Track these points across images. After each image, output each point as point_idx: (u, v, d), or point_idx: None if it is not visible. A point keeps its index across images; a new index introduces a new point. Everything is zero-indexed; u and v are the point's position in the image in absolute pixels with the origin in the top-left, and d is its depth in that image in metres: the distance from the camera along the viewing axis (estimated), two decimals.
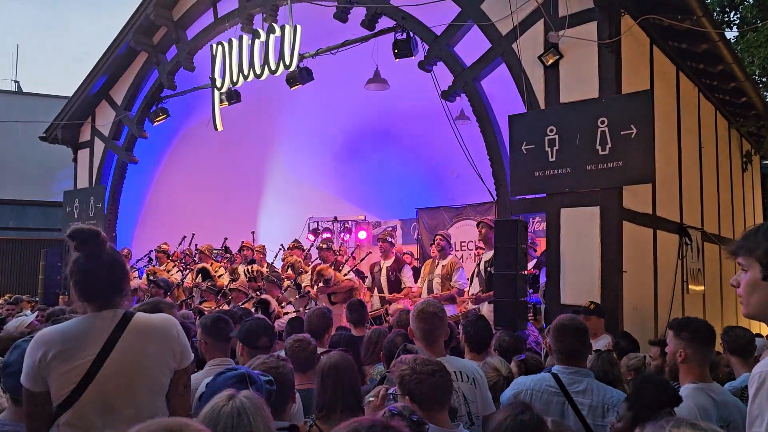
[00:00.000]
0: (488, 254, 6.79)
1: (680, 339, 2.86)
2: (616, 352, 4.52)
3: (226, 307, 7.50)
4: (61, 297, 10.69)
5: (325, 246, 8.82)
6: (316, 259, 8.85)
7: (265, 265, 9.63)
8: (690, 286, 7.58)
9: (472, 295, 6.84)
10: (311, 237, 12.04)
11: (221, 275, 9.26)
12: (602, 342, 5.00)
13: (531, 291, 6.84)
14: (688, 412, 2.65)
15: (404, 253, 9.06)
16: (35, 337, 2.26)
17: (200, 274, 9.13)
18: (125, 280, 2.43)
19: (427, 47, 7.24)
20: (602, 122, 5.87)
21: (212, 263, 9.79)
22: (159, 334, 2.36)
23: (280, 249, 10.20)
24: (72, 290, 2.36)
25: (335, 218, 12.60)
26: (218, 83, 9.20)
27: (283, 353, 3.74)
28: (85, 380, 2.18)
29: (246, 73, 8.79)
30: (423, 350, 2.97)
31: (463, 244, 10.72)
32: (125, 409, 2.22)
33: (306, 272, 8.57)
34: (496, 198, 6.90)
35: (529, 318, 6.25)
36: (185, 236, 11.15)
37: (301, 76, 8.26)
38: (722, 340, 3.92)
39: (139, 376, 2.27)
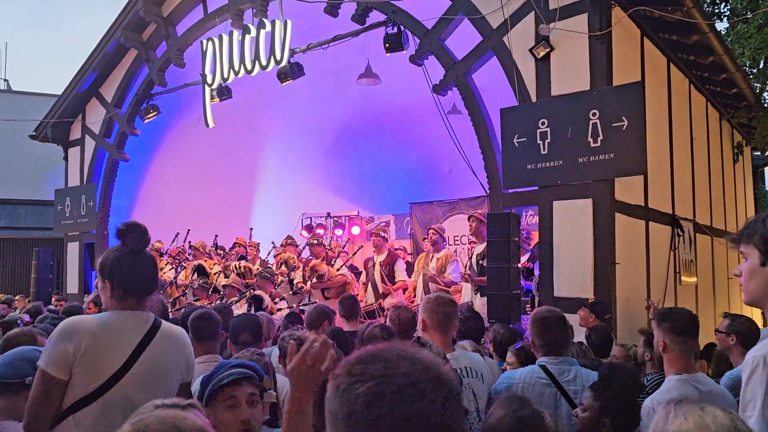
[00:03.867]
0: (480, 247, 6.80)
1: (661, 329, 2.85)
2: (589, 345, 4.55)
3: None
4: (53, 296, 10.65)
5: (315, 241, 8.82)
6: (309, 256, 8.84)
7: (258, 262, 9.61)
8: (682, 278, 7.61)
9: (465, 273, 6.83)
10: (305, 233, 12.02)
11: (216, 272, 9.24)
12: None
13: (527, 282, 6.86)
14: None
15: (397, 248, 9.05)
16: (67, 325, 2.22)
17: (196, 272, 9.10)
18: (156, 278, 2.52)
19: (418, 41, 7.22)
20: (594, 114, 5.87)
21: (206, 260, 9.77)
22: (180, 346, 2.42)
23: (273, 248, 10.18)
24: (106, 284, 2.35)
25: (328, 214, 12.59)
26: (209, 79, 9.15)
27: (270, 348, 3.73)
28: (114, 378, 2.19)
29: (237, 69, 8.75)
30: (435, 341, 2.91)
31: (456, 238, 10.73)
32: None
33: (299, 268, 8.56)
34: (488, 191, 6.91)
35: (527, 309, 6.27)
36: (178, 233, 11.11)
37: (292, 72, 8.23)
38: (727, 328, 3.89)
39: (161, 382, 2.30)
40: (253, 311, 6.48)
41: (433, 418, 0.87)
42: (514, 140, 6.39)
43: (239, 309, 7.28)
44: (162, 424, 1.26)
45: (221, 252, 10.64)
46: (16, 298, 10.40)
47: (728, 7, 15.66)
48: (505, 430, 1.97)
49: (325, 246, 9.09)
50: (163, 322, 2.42)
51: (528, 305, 6.49)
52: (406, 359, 0.92)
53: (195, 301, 8.17)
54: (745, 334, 3.76)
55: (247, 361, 2.41)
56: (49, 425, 2.14)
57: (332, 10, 7.72)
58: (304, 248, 9.90)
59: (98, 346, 2.19)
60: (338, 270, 8.28)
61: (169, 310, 7.96)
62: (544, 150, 6.18)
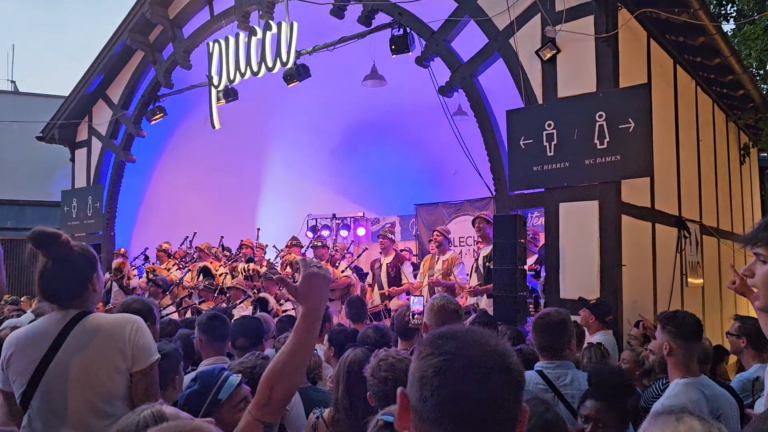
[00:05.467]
0: (486, 249, 6.80)
1: (666, 332, 2.84)
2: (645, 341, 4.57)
3: (224, 306, 7.49)
4: None
5: (319, 243, 8.83)
6: (313, 257, 8.84)
7: (265, 263, 9.63)
8: (689, 280, 7.59)
9: (470, 287, 6.85)
10: (310, 234, 12.03)
11: (222, 274, 9.25)
12: (596, 337, 4.96)
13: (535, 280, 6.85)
14: None
15: (402, 250, 9.06)
16: (6, 339, 2.33)
17: (201, 273, 9.12)
18: (84, 282, 2.36)
19: (424, 43, 7.22)
20: (600, 116, 5.86)
21: (212, 261, 9.79)
22: (106, 335, 2.28)
23: (278, 252, 10.18)
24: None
25: (334, 215, 12.60)
26: (215, 81, 9.18)
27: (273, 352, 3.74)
28: (34, 381, 2.20)
29: (243, 70, 8.77)
30: None
31: (461, 239, 10.73)
32: (70, 413, 2.20)
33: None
34: (494, 193, 6.90)
35: (530, 311, 6.25)
36: (187, 236, 11.13)
37: (298, 73, 8.24)
38: (737, 331, 3.87)
39: (82, 378, 2.22)
40: (258, 313, 6.49)
41: (487, 401, 0.98)
42: (521, 142, 6.39)
43: (245, 310, 7.30)
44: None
45: (227, 253, 10.66)
46: (22, 299, 10.43)
47: (735, 8, 15.63)
48: None
49: (328, 248, 9.10)
50: (92, 315, 2.32)
51: (531, 306, 6.48)
52: (478, 344, 1.04)
53: (200, 302, 8.18)
54: (755, 336, 3.74)
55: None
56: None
57: (338, 12, 7.74)
58: (307, 249, 9.90)
59: (16, 354, 2.25)
60: (342, 272, 8.29)
61: (175, 310, 8.01)
62: (550, 152, 6.18)
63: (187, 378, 3.39)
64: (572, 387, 2.88)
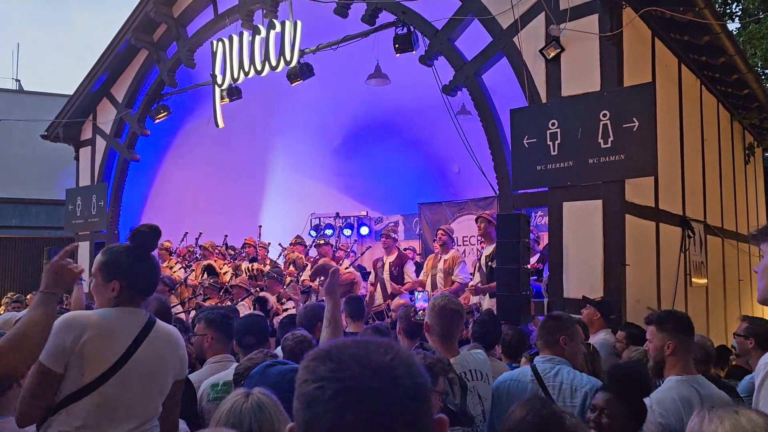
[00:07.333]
0: (489, 248, 6.79)
1: (665, 332, 2.83)
2: (630, 342, 4.53)
3: (228, 303, 7.50)
4: (65, 295, 10.68)
5: (322, 242, 8.84)
6: (316, 256, 8.85)
7: (268, 262, 9.64)
8: (693, 279, 7.56)
9: (472, 285, 6.84)
10: (313, 233, 12.04)
11: (226, 272, 9.27)
12: (600, 336, 4.94)
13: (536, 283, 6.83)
14: (672, 403, 2.64)
15: (405, 249, 9.05)
16: (66, 318, 2.25)
17: (206, 272, 9.14)
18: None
19: (427, 42, 7.22)
20: (604, 115, 5.85)
21: (216, 260, 9.80)
22: (174, 342, 2.47)
23: (282, 250, 10.19)
24: (114, 284, 2.36)
25: (337, 214, 12.61)
26: (219, 80, 9.18)
27: (278, 350, 3.73)
28: (109, 373, 2.23)
29: (246, 69, 8.78)
30: (438, 348, 2.90)
31: (465, 238, 10.72)
32: (137, 406, 2.30)
33: (308, 267, 8.57)
34: (498, 192, 6.90)
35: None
36: (187, 232, 11.15)
37: (301, 72, 8.24)
38: (745, 331, 3.86)
39: (156, 377, 2.36)
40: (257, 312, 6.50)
41: (367, 428, 0.82)
42: (524, 141, 6.38)
43: (246, 308, 7.31)
44: None
45: (231, 252, 10.68)
46: (28, 297, 10.45)
47: (740, 7, 15.57)
48: (529, 430, 1.98)
49: (331, 245, 9.11)
50: (158, 320, 2.47)
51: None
52: (357, 362, 0.87)
53: (205, 300, 8.19)
54: (763, 336, 3.72)
55: None
56: (40, 418, 2.19)
57: (342, 10, 7.73)
58: (310, 248, 9.90)
59: (97, 339, 2.23)
60: (346, 269, 8.28)
61: (181, 311, 8.02)
62: (554, 151, 6.17)
63: (200, 374, 3.36)
64: (555, 379, 3.01)
